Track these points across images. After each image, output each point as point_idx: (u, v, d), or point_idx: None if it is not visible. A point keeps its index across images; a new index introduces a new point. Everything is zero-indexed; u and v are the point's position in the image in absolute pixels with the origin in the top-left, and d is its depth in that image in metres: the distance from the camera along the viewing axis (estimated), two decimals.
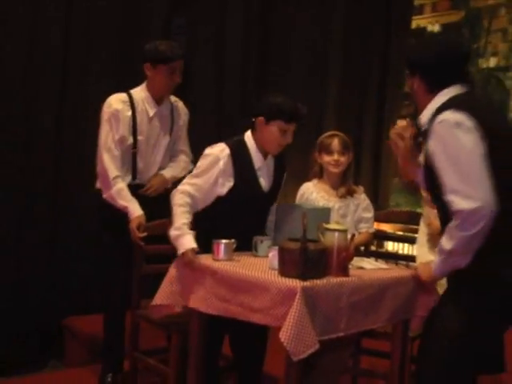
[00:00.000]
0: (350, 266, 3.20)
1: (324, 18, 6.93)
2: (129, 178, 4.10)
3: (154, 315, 3.55)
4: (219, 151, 3.58)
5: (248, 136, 3.68)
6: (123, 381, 4.08)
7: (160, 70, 4.05)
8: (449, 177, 2.71)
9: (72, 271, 5.22)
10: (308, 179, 4.32)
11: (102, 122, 4.08)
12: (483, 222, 2.62)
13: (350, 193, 4.21)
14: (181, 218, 3.42)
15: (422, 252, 4.19)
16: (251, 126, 3.67)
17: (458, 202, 2.66)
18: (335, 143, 4.15)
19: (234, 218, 3.58)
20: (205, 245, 3.39)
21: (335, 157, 4.13)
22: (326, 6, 6.93)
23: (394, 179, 7.35)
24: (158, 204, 4.03)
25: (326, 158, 4.15)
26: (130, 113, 4.06)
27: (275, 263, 3.09)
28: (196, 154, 4.01)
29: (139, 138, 4.09)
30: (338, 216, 4.08)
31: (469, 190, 2.64)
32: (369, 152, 7.25)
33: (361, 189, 4.31)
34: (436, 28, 7.38)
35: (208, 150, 3.62)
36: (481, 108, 2.86)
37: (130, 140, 4.07)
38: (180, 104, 4.36)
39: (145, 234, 3.85)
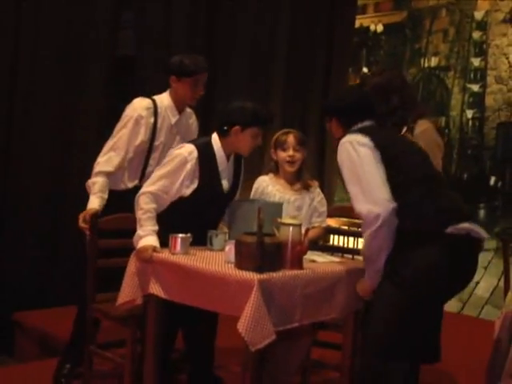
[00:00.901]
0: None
1: (269, 18, 7.00)
2: (136, 181, 4.13)
3: (117, 310, 3.57)
4: (188, 153, 3.63)
5: (215, 139, 3.74)
6: (79, 374, 4.10)
7: (184, 83, 4.08)
8: (349, 186, 3.22)
9: (21, 265, 5.24)
10: (264, 173, 4.36)
11: (122, 122, 4.10)
12: (381, 218, 3.05)
13: (306, 187, 4.25)
14: (149, 223, 3.47)
15: None
16: (219, 131, 3.73)
17: (357, 207, 3.16)
18: (290, 139, 4.17)
19: (193, 216, 3.64)
20: (162, 240, 3.45)
21: (290, 152, 4.14)
22: (271, 6, 7.00)
23: (337, 176, 7.47)
24: None
25: (282, 155, 4.17)
26: (152, 119, 4.08)
27: (232, 257, 3.18)
28: None
29: (156, 143, 4.12)
30: (294, 208, 4.13)
31: (364, 195, 3.13)
32: (313, 149, 7.33)
33: (315, 183, 4.35)
34: (379, 28, 7.52)
35: (176, 151, 3.67)
36: (378, 132, 3.36)
37: (147, 145, 4.11)
38: (193, 114, 4.40)
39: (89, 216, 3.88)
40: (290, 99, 7.18)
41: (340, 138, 3.35)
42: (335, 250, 4.63)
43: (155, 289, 3.38)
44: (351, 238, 5.08)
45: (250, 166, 4.21)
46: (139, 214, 3.50)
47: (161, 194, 3.56)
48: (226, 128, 3.69)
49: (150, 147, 4.13)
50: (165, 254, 3.37)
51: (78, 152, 5.55)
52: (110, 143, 4.10)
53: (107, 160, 4.04)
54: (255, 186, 4.28)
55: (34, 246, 5.38)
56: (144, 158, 4.13)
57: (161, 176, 3.61)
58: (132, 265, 3.46)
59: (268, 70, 7.03)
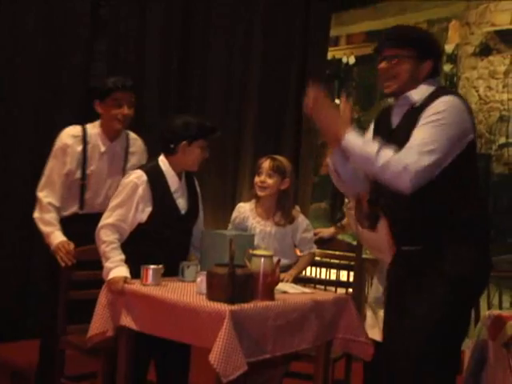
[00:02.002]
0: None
1: (243, 47, 7.06)
2: (75, 208, 4.12)
3: (88, 343, 3.54)
4: (137, 178, 3.64)
5: (162, 160, 3.75)
6: None
7: (107, 105, 4.04)
8: (424, 132, 2.81)
9: None
10: (246, 200, 4.33)
11: (51, 153, 4.09)
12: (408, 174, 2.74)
13: (290, 221, 4.17)
14: (115, 254, 3.48)
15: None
16: (166, 150, 3.74)
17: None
18: (265, 165, 4.10)
19: (158, 243, 3.64)
20: (132, 271, 3.45)
21: (262, 178, 4.08)
22: (246, 35, 7.06)
23: (311, 205, 7.52)
24: None
25: (256, 179, 4.12)
26: (80, 147, 4.06)
27: (203, 288, 3.18)
28: None
29: (88, 171, 4.10)
30: (275, 240, 4.10)
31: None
32: None
33: (297, 210, 4.28)
34: (351, 59, 7.60)
35: (125, 179, 3.68)
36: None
37: (78, 173, 4.08)
38: (138, 142, 4.34)
39: (77, 254, 3.87)
40: (262, 132, 7.19)
41: (406, 84, 3.00)
42: (307, 281, 4.64)
43: (127, 321, 3.36)
44: (323, 269, 5.10)
45: (212, 195, 4.20)
46: (103, 247, 3.50)
47: (119, 223, 3.57)
48: (172, 146, 3.70)
49: (83, 175, 4.10)
50: (136, 286, 3.37)
51: None
52: (43, 179, 4.08)
53: (47, 195, 4.03)
54: (235, 213, 4.24)
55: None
56: (79, 186, 4.11)
57: (115, 206, 3.62)
58: (103, 296, 3.45)
59: (240, 102, 7.06)
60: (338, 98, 7.61)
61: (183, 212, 3.79)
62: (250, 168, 6.59)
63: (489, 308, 4.54)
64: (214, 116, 6.41)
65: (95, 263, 3.62)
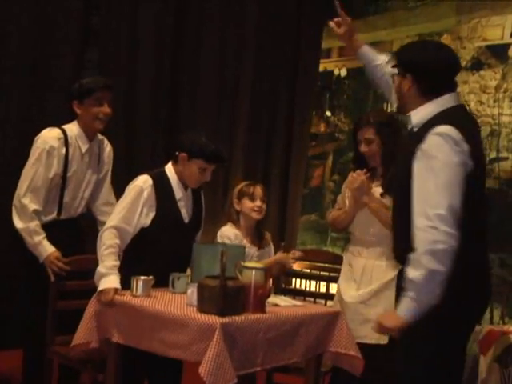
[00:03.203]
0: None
1: (235, 57, 7.06)
2: (53, 215, 4.08)
3: (71, 352, 3.52)
4: (142, 182, 3.67)
5: (169, 168, 3.80)
6: None
7: (87, 105, 4.09)
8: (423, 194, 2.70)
9: None
10: (222, 223, 4.38)
11: (33, 157, 4.03)
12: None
13: (267, 243, 4.38)
14: (110, 259, 3.45)
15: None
16: (173, 158, 3.79)
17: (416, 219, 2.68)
18: (258, 190, 4.26)
19: (158, 249, 3.65)
20: (127, 278, 3.42)
21: (258, 203, 4.22)
22: (237, 46, 7.06)
23: (301, 217, 7.50)
24: (80, 239, 4.05)
25: (249, 205, 4.21)
26: (64, 150, 4.06)
27: (194, 300, 3.16)
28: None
29: (68, 174, 4.09)
30: (257, 259, 4.17)
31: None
32: (276, 190, 7.36)
33: (268, 236, 4.47)
34: (343, 72, 7.60)
35: (132, 184, 3.71)
36: (468, 125, 2.88)
37: (60, 177, 4.08)
38: (106, 141, 4.40)
39: (67, 264, 3.84)
40: (252, 144, 7.18)
41: (409, 104, 2.95)
42: (297, 294, 4.63)
43: (113, 334, 3.33)
44: (313, 282, 5.08)
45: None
46: (102, 249, 3.49)
47: (123, 225, 3.58)
48: (176, 153, 3.75)
49: (64, 179, 4.10)
50: (126, 297, 3.34)
51: None
52: (25, 183, 4.00)
53: (31, 201, 3.97)
54: (219, 237, 4.27)
55: None
56: (59, 190, 4.10)
57: (121, 209, 3.63)
58: (91, 307, 3.42)
59: (230, 114, 7.04)
60: (329, 110, 7.68)
61: (186, 221, 3.81)
62: (239, 182, 6.56)
63: (479, 323, 4.53)
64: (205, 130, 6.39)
65: (83, 274, 3.59)
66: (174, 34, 6.47)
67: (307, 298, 4.62)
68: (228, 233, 4.22)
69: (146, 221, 3.66)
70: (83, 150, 4.16)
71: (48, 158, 4.02)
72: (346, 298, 3.92)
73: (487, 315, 4.74)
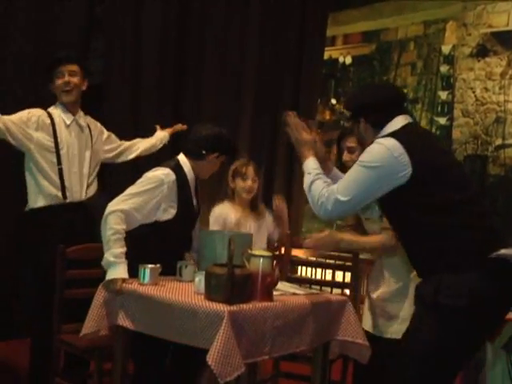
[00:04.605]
0: (281, 293, 3.34)
1: (239, 46, 7.04)
2: (59, 197, 4.14)
3: (80, 340, 3.52)
4: (164, 175, 3.61)
5: (184, 162, 3.76)
6: None
7: (54, 82, 4.27)
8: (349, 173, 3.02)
9: None
10: (219, 201, 4.46)
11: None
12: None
13: (262, 214, 4.49)
14: (117, 245, 3.38)
15: None
16: (193, 155, 3.77)
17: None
18: (249, 171, 4.37)
19: (168, 240, 3.63)
20: (132, 267, 3.39)
21: (249, 183, 4.35)
22: (241, 36, 7.04)
23: (305, 206, 7.50)
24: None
25: (241, 184, 4.35)
26: (49, 120, 4.19)
27: (201, 287, 3.15)
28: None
29: (61, 152, 4.15)
30: (254, 232, 4.26)
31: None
32: (281, 179, 7.36)
33: (263, 208, 4.56)
34: (348, 60, 7.58)
35: (151, 173, 3.64)
36: (416, 139, 3.03)
37: (54, 157, 4.14)
38: (89, 119, 4.49)
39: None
40: (258, 132, 7.18)
41: (370, 143, 3.10)
42: (303, 282, 4.63)
43: (123, 321, 3.33)
44: (319, 270, 5.08)
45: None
46: (108, 233, 3.41)
47: (133, 211, 3.50)
48: (204, 152, 3.75)
49: (58, 158, 4.19)
50: (134, 285, 3.33)
51: None
52: None
53: None
54: (215, 213, 4.38)
55: None
56: (57, 173, 4.19)
57: (133, 194, 3.55)
58: (100, 295, 3.40)
59: (235, 103, 7.03)
60: (334, 97, 7.67)
61: (196, 212, 3.87)
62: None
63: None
64: (210, 118, 6.38)
65: (89, 262, 3.59)
66: (178, 22, 6.46)
67: (313, 286, 4.61)
68: (222, 209, 4.37)
69: (164, 216, 3.62)
70: (68, 122, 4.26)
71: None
72: (374, 294, 3.85)
73: None
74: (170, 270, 3.53)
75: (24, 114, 4.13)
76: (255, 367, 4.02)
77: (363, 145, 3.22)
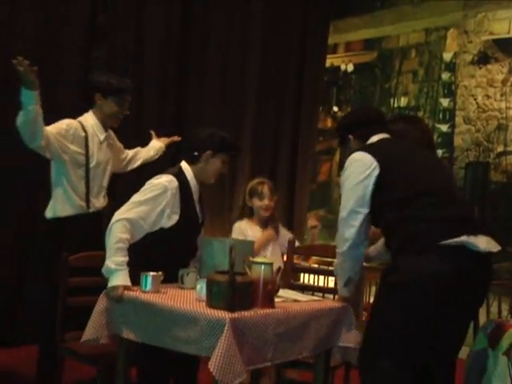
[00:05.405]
0: (283, 299, 3.36)
1: (240, 54, 7.06)
2: (83, 208, 4.21)
3: (81, 348, 3.52)
4: (168, 182, 3.61)
5: (186, 168, 3.76)
6: None
7: (110, 101, 4.23)
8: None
9: None
10: (238, 219, 4.70)
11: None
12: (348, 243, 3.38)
13: (277, 231, 4.71)
14: (120, 254, 3.38)
15: None
16: (191, 158, 3.77)
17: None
18: (265, 190, 4.60)
19: (171, 248, 3.63)
20: (136, 274, 3.40)
21: (266, 202, 4.57)
22: (242, 44, 7.06)
23: (308, 212, 7.52)
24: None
25: (258, 203, 4.59)
26: (83, 134, 4.20)
27: (203, 295, 3.16)
28: None
29: (90, 165, 4.20)
30: (270, 250, 4.49)
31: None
32: (283, 187, 7.37)
33: (279, 224, 4.82)
34: (350, 67, 7.60)
35: (154, 180, 3.64)
36: (387, 147, 3.48)
37: (83, 170, 4.20)
38: (111, 131, 4.49)
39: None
40: (260, 139, 7.20)
41: None
42: (305, 289, 4.64)
43: (123, 331, 3.33)
44: (321, 277, 5.09)
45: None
46: (112, 241, 3.40)
47: (139, 220, 3.50)
48: (196, 154, 3.74)
49: (87, 170, 4.22)
50: (135, 293, 3.34)
51: None
52: None
53: None
54: (236, 229, 4.62)
55: None
56: (84, 184, 4.24)
57: (139, 202, 3.54)
58: (101, 303, 3.41)
59: (237, 111, 7.05)
60: (336, 105, 7.68)
61: (200, 220, 3.86)
62: (247, 177, 6.60)
63: (488, 316, 4.54)
64: (211, 124, 6.39)
65: (93, 270, 3.59)
66: (180, 32, 6.48)
67: (315, 293, 4.62)
68: (240, 227, 4.58)
69: (168, 223, 3.62)
70: (101, 138, 4.29)
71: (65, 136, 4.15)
72: None
73: (495, 309, 4.73)
74: (174, 278, 3.55)
75: (63, 126, 4.14)
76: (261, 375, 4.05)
77: None
